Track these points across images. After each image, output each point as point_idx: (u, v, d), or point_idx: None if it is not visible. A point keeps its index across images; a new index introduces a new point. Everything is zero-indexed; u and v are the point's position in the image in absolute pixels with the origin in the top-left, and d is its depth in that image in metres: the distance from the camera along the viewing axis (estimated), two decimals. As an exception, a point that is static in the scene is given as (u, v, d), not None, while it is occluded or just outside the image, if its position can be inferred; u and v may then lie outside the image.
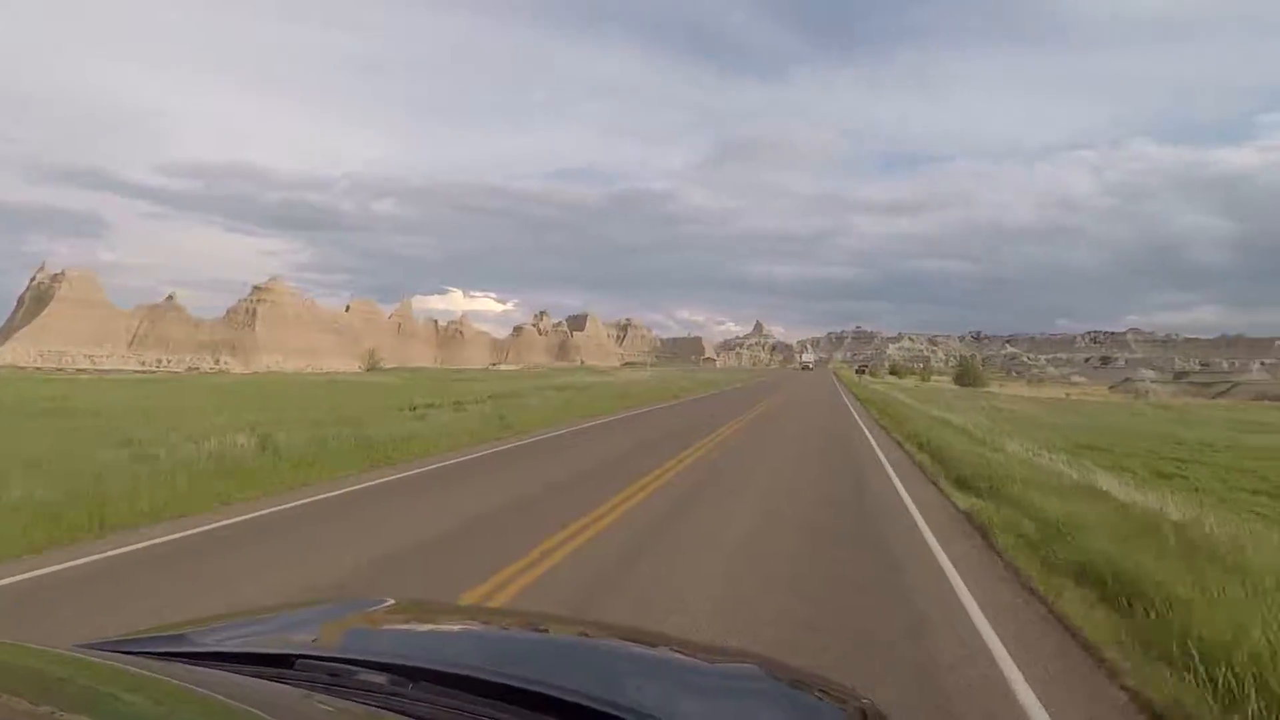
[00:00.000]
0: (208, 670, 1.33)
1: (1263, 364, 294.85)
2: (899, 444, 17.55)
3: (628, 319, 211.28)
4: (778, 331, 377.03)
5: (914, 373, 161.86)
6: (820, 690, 1.71)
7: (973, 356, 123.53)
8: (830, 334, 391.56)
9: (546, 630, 2.12)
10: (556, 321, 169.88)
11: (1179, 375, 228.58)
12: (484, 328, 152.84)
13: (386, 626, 2.01)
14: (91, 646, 1.46)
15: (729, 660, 1.96)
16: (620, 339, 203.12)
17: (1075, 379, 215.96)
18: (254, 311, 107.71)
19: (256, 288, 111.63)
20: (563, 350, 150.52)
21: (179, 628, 1.70)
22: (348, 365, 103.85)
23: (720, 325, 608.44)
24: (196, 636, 1.60)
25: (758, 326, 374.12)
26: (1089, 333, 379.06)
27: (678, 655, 1.87)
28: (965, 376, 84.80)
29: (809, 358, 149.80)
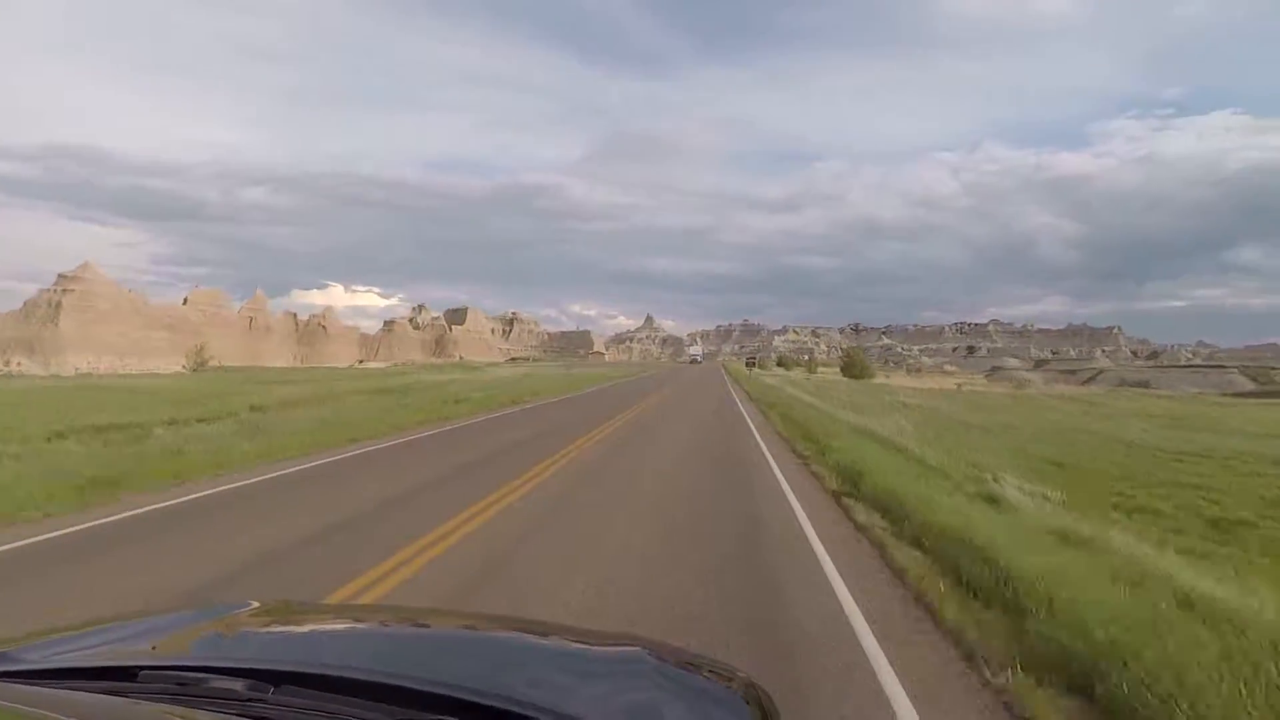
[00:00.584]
0: (33, 688, 1.19)
1: (1104, 351, 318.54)
2: (838, 499, 9.67)
3: (514, 312, 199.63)
4: (668, 325, 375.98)
5: (800, 364, 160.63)
6: (708, 670, 1.71)
7: (856, 348, 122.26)
8: (719, 327, 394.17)
9: (428, 625, 1.99)
10: (436, 316, 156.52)
11: (1038, 363, 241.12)
12: (355, 323, 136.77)
13: (249, 630, 1.79)
14: None
15: (616, 645, 1.80)
16: (506, 333, 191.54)
17: (947, 368, 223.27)
18: (58, 304, 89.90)
19: (62, 276, 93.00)
20: (440, 346, 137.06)
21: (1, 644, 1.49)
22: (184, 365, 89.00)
23: (611, 319, 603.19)
24: (20, 654, 1.42)
25: (648, 320, 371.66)
26: (955, 324, 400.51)
27: (563, 643, 1.84)
28: (852, 368, 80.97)
29: (696, 351, 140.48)
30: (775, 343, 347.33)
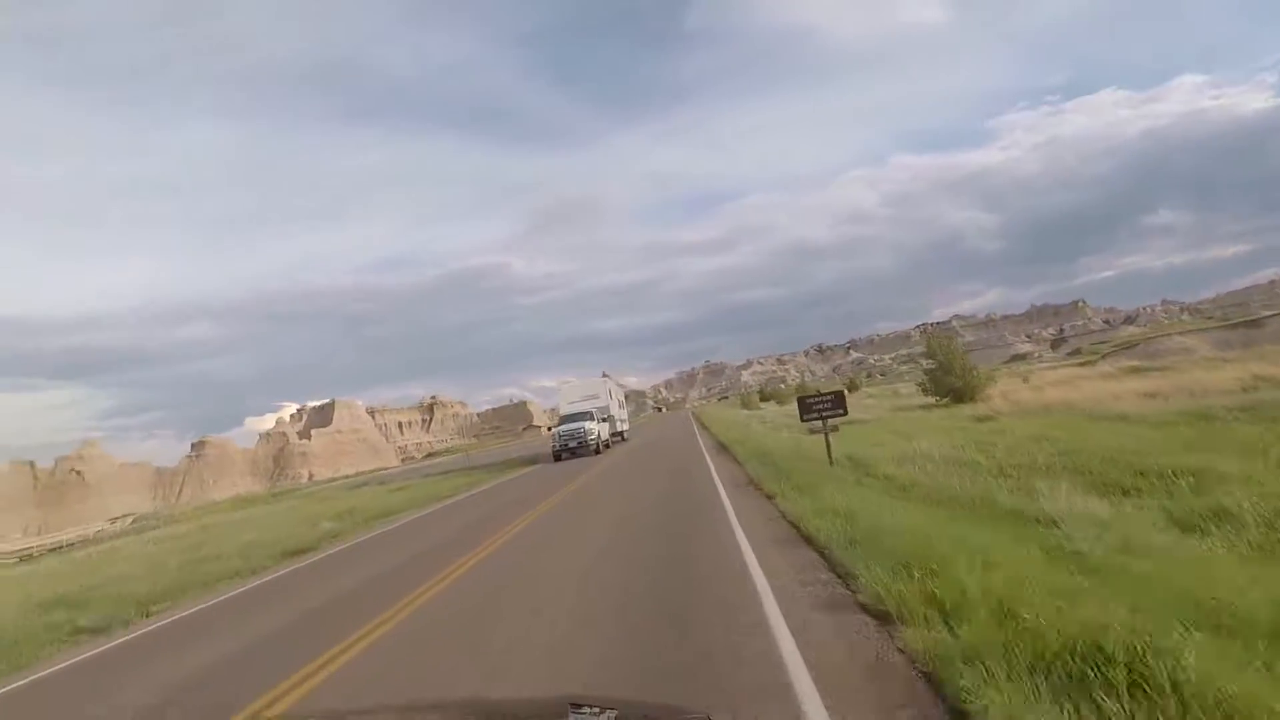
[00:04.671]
0: None
1: (1071, 327, 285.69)
2: None
3: (433, 397, 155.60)
4: (631, 381, 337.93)
5: (790, 393, 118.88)
6: None
7: (946, 336, 78.69)
8: (681, 373, 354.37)
9: None
10: (309, 410, 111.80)
11: (1054, 343, 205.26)
12: (137, 457, 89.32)
13: None
14: None
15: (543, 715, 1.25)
16: (425, 424, 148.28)
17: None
18: None
19: None
20: (280, 463, 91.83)
21: None
22: None
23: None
24: None
25: (604, 379, 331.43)
26: (918, 326, 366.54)
27: None
28: (949, 378, 38.83)
29: (583, 409, 30.65)
30: (743, 378, 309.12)
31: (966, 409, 32.70)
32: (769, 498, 10.32)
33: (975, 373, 38.91)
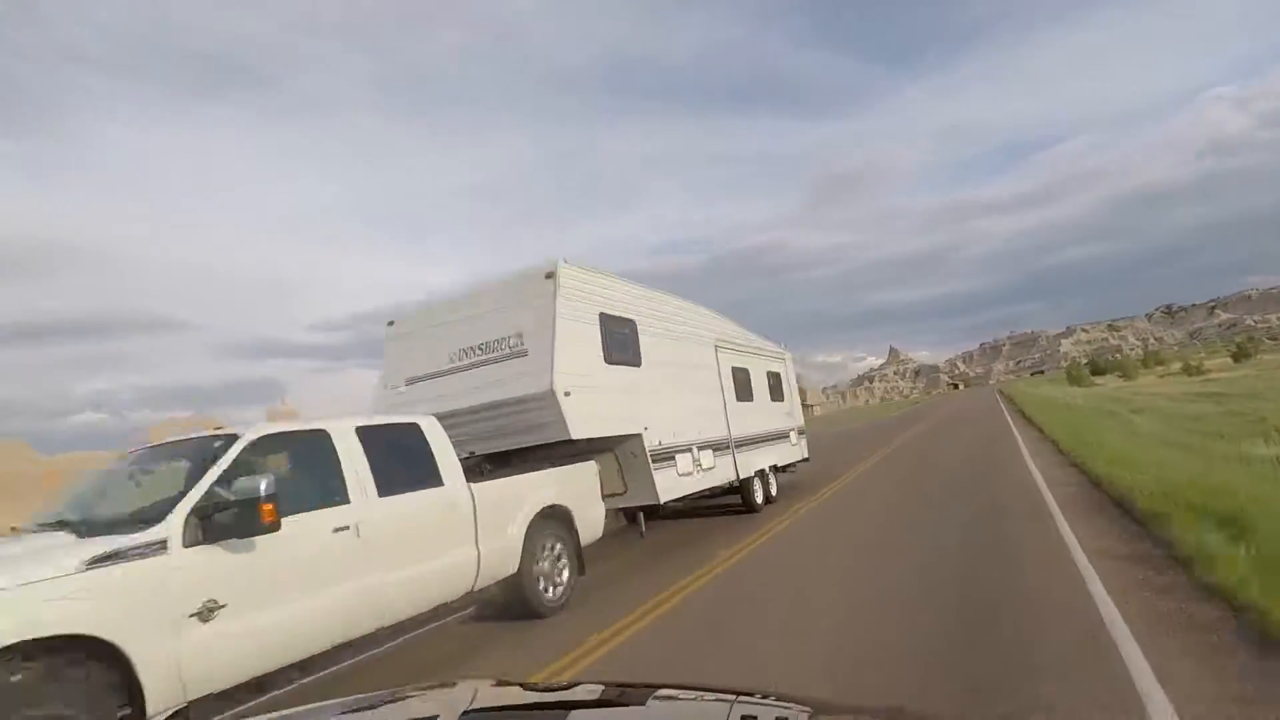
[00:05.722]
0: None
1: None
2: None
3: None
4: (922, 355, 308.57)
5: (1137, 364, 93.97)
6: None
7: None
8: (983, 345, 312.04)
9: (639, 702, 1.59)
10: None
11: None
12: None
13: (443, 711, 1.55)
14: None
15: None
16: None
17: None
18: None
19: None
20: None
21: None
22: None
23: (859, 361, 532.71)
24: None
25: (893, 354, 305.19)
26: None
27: None
28: None
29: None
30: (1062, 348, 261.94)
31: None
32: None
33: None
